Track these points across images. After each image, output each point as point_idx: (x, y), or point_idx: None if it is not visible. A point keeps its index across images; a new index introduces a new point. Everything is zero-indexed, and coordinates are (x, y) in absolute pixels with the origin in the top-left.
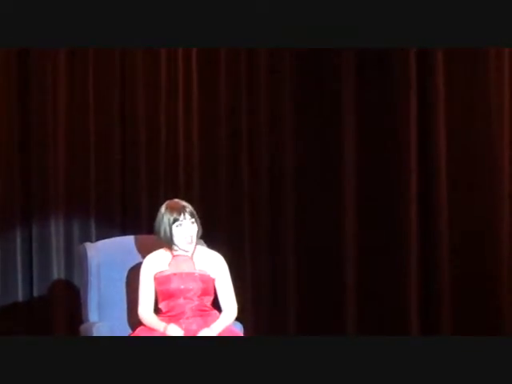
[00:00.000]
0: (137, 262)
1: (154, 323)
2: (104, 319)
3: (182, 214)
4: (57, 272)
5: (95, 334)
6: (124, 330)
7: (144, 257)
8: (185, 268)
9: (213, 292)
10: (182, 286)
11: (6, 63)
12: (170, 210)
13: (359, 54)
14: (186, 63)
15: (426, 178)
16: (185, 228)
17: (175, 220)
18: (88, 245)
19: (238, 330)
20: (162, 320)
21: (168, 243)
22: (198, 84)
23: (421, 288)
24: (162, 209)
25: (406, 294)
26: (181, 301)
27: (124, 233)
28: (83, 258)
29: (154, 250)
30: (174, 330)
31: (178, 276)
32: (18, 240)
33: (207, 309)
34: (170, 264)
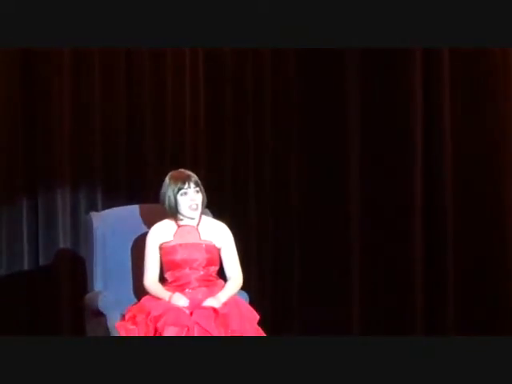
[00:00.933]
0: (142, 231)
1: (159, 293)
2: (109, 288)
3: (187, 183)
4: (63, 242)
5: (100, 303)
6: (129, 300)
7: (150, 226)
8: (190, 238)
9: (218, 262)
10: (188, 257)
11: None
12: (175, 179)
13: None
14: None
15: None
16: (189, 196)
17: (180, 189)
18: (94, 214)
19: (244, 300)
20: (168, 290)
21: (173, 213)
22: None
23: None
24: (167, 179)
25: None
26: (186, 271)
27: (130, 202)
28: (89, 227)
29: (160, 219)
30: (180, 299)
31: (184, 247)
32: (24, 210)
33: (213, 279)
34: (175, 234)
